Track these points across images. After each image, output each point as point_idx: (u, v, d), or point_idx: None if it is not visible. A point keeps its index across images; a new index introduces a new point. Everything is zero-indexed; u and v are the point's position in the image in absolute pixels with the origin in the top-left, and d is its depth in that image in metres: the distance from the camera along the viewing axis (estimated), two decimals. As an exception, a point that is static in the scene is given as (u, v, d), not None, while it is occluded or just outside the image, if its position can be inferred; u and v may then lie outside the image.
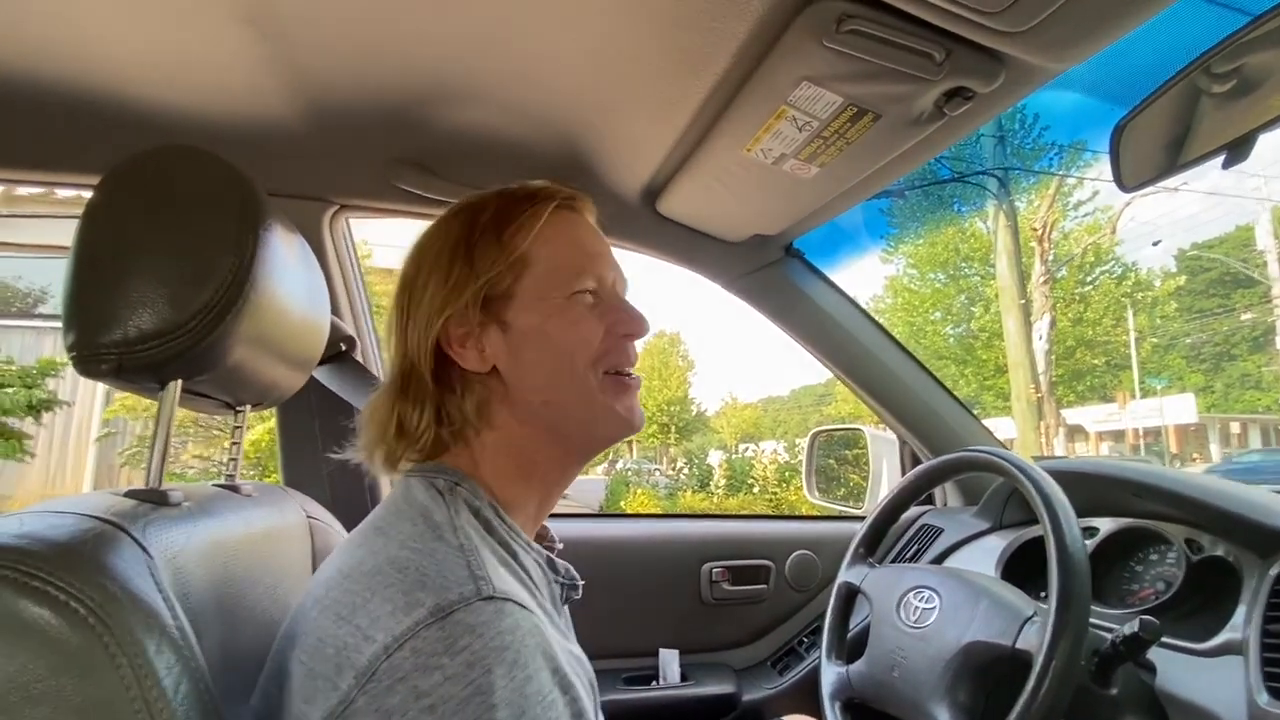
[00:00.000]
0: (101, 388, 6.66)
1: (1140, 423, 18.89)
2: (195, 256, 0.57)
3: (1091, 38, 0.68)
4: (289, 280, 0.65)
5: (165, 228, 0.58)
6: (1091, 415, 19.23)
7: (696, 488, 12.60)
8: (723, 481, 11.92)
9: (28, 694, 0.42)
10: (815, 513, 1.72)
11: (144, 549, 0.49)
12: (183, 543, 0.54)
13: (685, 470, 15.00)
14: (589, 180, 1.09)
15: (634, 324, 0.65)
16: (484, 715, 0.43)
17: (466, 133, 0.98)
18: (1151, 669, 0.85)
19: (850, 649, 1.05)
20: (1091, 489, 1.11)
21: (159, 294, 0.55)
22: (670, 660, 1.29)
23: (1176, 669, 0.84)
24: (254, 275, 0.58)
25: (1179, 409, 18.90)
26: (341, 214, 1.12)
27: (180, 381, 0.60)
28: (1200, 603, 0.91)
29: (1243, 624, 0.81)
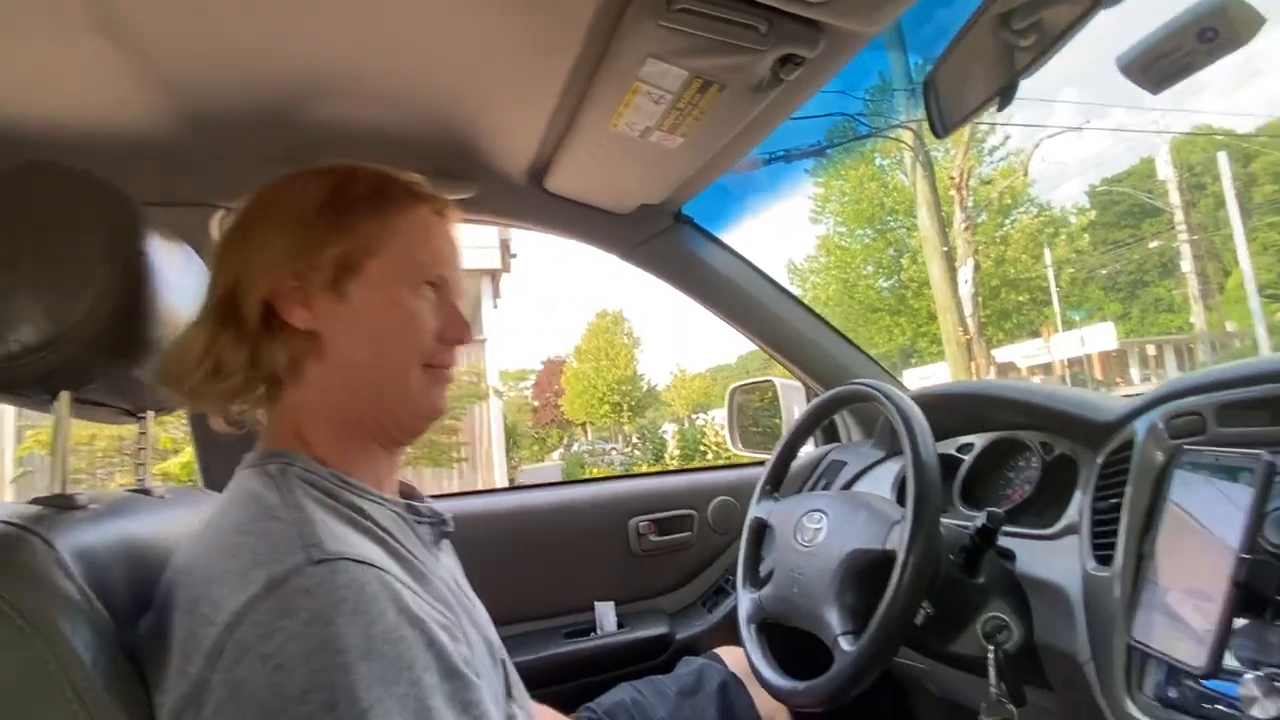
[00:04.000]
0: (9, 427, 6.32)
1: (1065, 354, 19.85)
2: (70, 269, 0.59)
3: (892, 1, 0.76)
4: (175, 287, 0.67)
5: (36, 243, 0.59)
6: (1022, 351, 20.10)
7: (652, 460, 12.79)
8: (677, 452, 12.13)
9: None
10: (736, 463, 1.82)
11: (51, 546, 0.52)
12: (92, 541, 0.57)
13: (640, 445, 15.18)
14: (475, 164, 1.13)
15: (464, 331, 0.69)
16: (332, 662, 0.45)
17: (348, 128, 1.01)
18: (1011, 556, 0.97)
19: (764, 578, 1.14)
20: (965, 409, 1.23)
21: (36, 308, 0.57)
22: (606, 611, 1.37)
23: (1031, 554, 0.95)
24: (131, 284, 0.61)
25: (1100, 337, 19.87)
26: (229, 218, 1.13)
27: (70, 392, 0.62)
28: (1054, 495, 1.03)
29: (1077, 508, 0.93)
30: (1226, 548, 0.60)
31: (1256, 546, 0.61)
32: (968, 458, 1.19)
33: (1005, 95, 0.71)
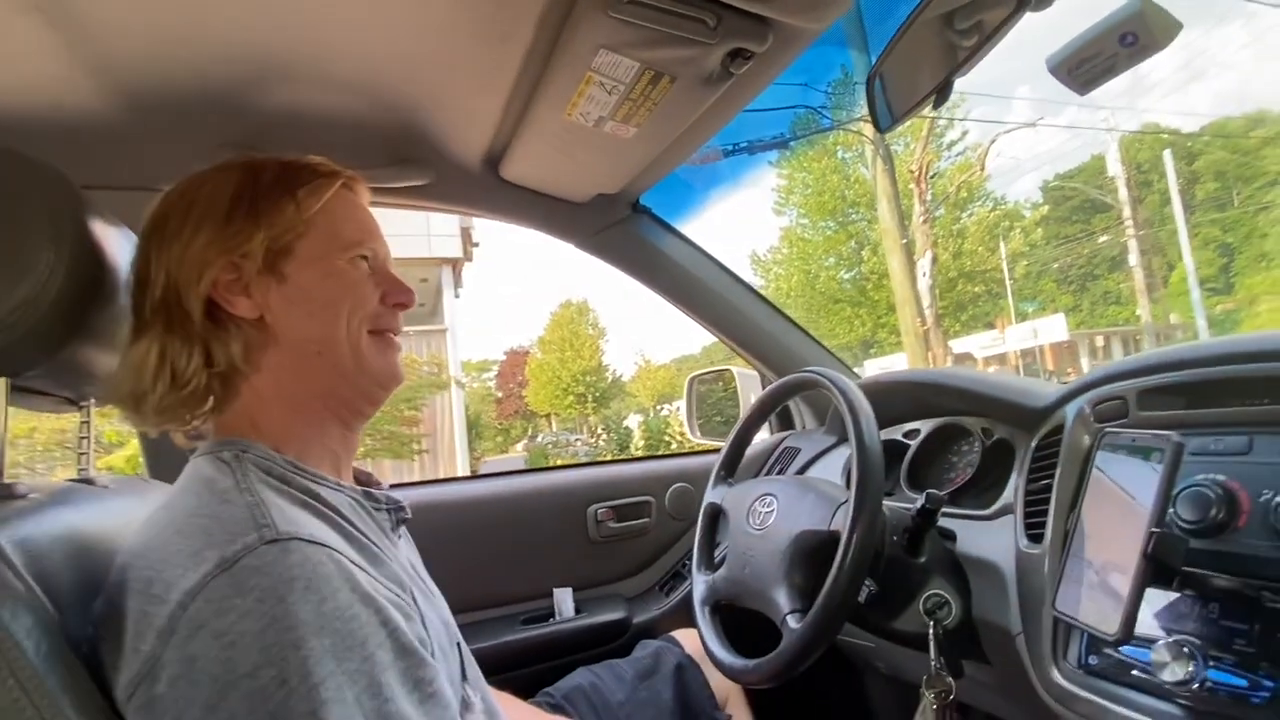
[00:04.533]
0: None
1: (1019, 345, 20.39)
2: (9, 253, 0.58)
3: None
4: (113, 272, 0.66)
5: None
6: (978, 343, 20.59)
7: (617, 451, 12.83)
8: (641, 442, 12.19)
9: None
10: (695, 450, 1.85)
11: None
12: (32, 531, 0.56)
13: (605, 436, 15.21)
14: (429, 151, 1.13)
15: (405, 295, 0.72)
16: (283, 638, 0.46)
17: (296, 113, 1.00)
18: (952, 537, 1.01)
19: (718, 562, 1.17)
20: (910, 396, 1.27)
21: None
22: (564, 598, 1.39)
23: (971, 534, 1.00)
24: (70, 267, 0.59)
25: (1051, 329, 20.42)
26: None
27: (7, 379, 0.61)
28: (993, 479, 1.08)
29: (1012, 489, 0.97)
30: (1140, 522, 0.64)
31: (1166, 521, 0.66)
32: (913, 443, 1.23)
33: (941, 94, 0.74)
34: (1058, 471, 0.88)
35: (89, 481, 0.75)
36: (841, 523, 0.88)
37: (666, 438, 11.44)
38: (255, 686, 0.45)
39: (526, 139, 1.07)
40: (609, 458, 12.38)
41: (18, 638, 0.49)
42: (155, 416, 0.63)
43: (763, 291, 1.50)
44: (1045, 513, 0.87)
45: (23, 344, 0.58)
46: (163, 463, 1.14)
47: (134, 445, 4.61)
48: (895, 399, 1.28)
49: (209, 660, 0.46)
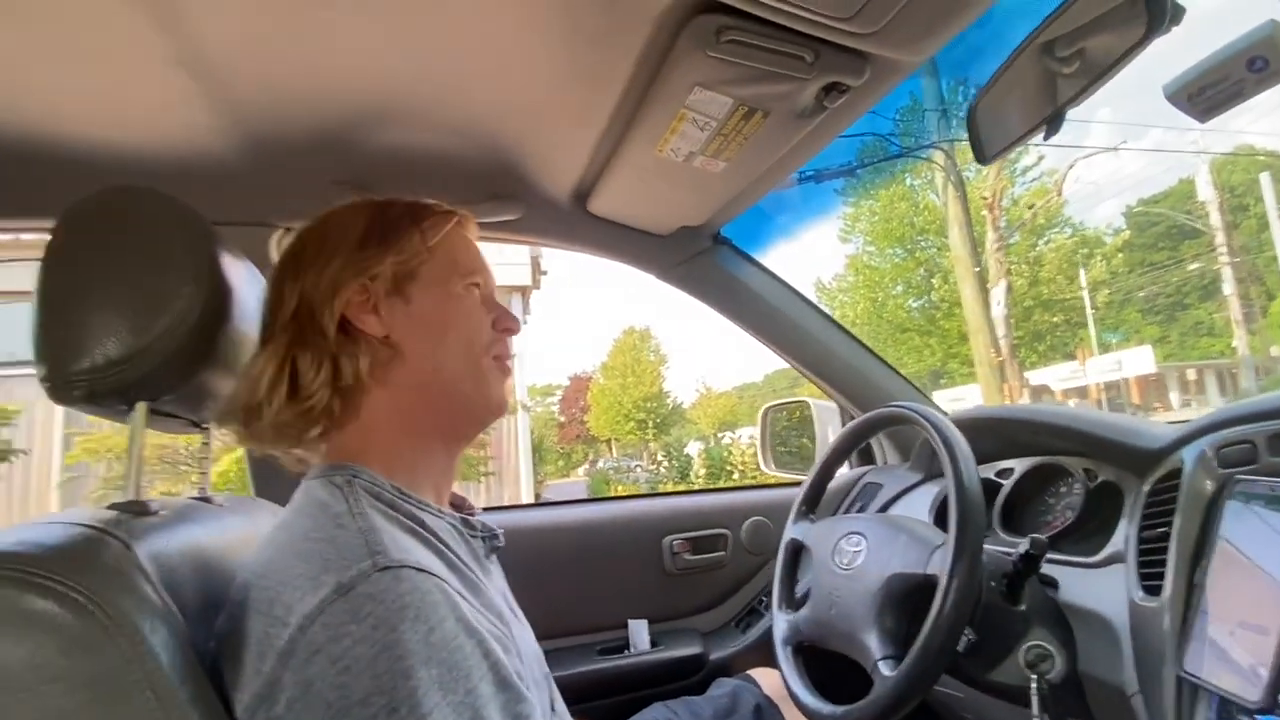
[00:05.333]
0: (60, 433, 6.53)
1: (1101, 377, 19.41)
2: (151, 286, 0.62)
3: (938, 30, 0.77)
4: (240, 303, 0.70)
5: (121, 262, 0.63)
6: (1056, 374, 19.71)
7: (677, 479, 12.73)
8: (703, 471, 12.07)
9: (42, 674, 0.49)
10: (770, 483, 1.82)
11: (130, 549, 0.55)
12: (163, 544, 0.59)
13: (665, 463, 15.14)
14: (521, 187, 1.16)
15: (513, 321, 0.77)
16: (394, 666, 0.48)
17: (401, 151, 1.05)
18: (1054, 584, 0.96)
19: (800, 600, 1.14)
20: (1004, 434, 1.22)
21: (121, 323, 0.61)
22: (639, 629, 1.38)
23: (1075, 582, 0.94)
24: (207, 300, 0.64)
25: (1137, 361, 19.42)
26: (286, 236, 1.18)
27: (146, 403, 0.65)
28: (1098, 523, 1.02)
29: (1123, 536, 0.92)
30: (1281, 581, 0.60)
31: (1314, 580, 0.61)
32: (1007, 483, 1.18)
33: (1052, 124, 0.72)
34: (1177, 520, 0.82)
35: (207, 500, 0.79)
36: (939, 566, 0.85)
37: (729, 467, 11.29)
38: (366, 715, 0.47)
39: (615, 175, 1.09)
40: (673, 487, 12.30)
41: (155, 650, 0.51)
42: (271, 431, 0.66)
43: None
44: (1162, 563, 0.82)
45: (162, 370, 0.63)
46: (269, 483, 1.19)
47: (225, 461, 4.87)
48: (986, 436, 1.23)
49: (325, 685, 0.48)
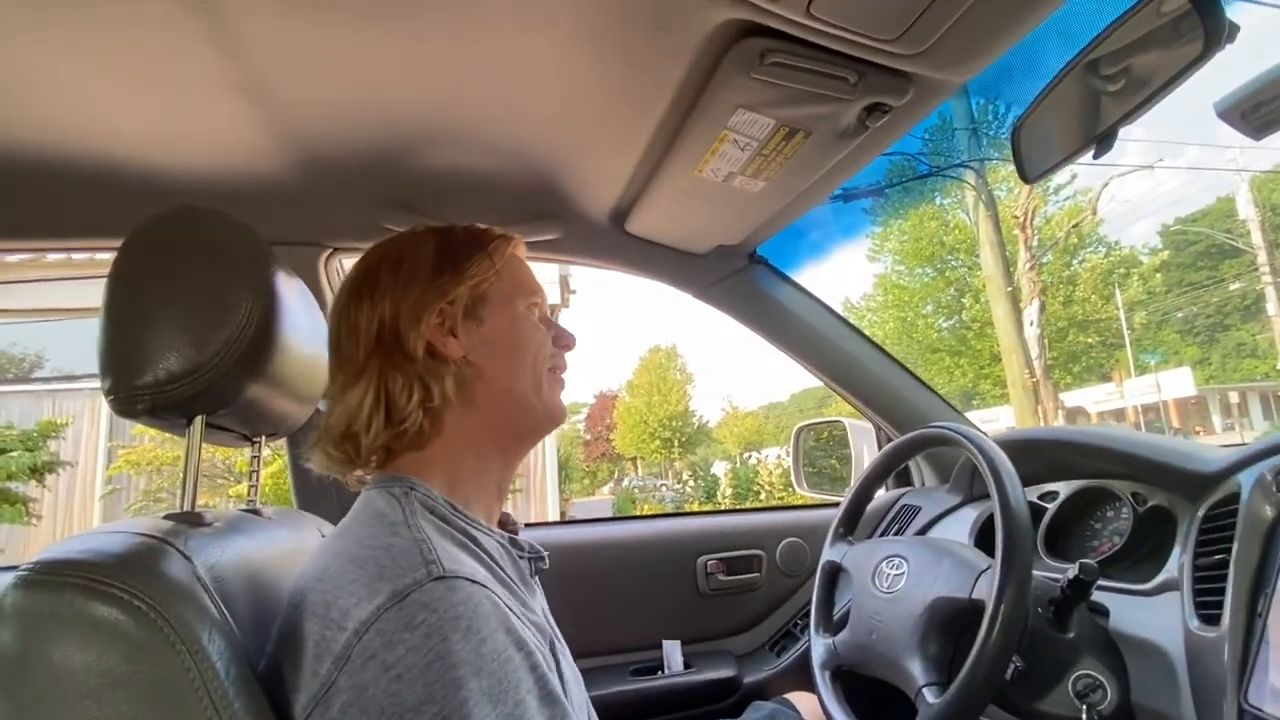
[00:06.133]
0: (103, 446, 6.71)
1: (1139, 399, 18.93)
2: (212, 304, 0.65)
3: (984, 50, 0.77)
4: (293, 321, 0.72)
5: (184, 280, 0.66)
6: (1091, 396, 19.28)
7: (703, 499, 12.64)
8: (729, 491, 11.98)
9: (106, 680, 0.50)
10: (804, 503, 1.80)
11: (189, 560, 0.57)
12: (218, 555, 0.61)
13: (691, 482, 15.05)
14: (561, 208, 1.18)
15: (570, 338, 0.82)
16: (445, 675, 0.49)
17: (446, 173, 1.07)
18: (1104, 612, 0.93)
19: (838, 623, 1.12)
20: (1047, 455, 1.19)
21: (183, 338, 0.63)
22: (673, 651, 1.37)
23: (1126, 610, 0.92)
24: (263, 317, 0.66)
25: (1176, 383, 18.93)
26: (335, 256, 1.21)
27: (204, 416, 0.67)
28: (1148, 549, 0.99)
29: (1177, 563, 0.89)
30: (1354, 611, 0.57)
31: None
32: (1051, 506, 1.15)
33: (1103, 142, 0.71)
34: (1235, 546, 0.80)
35: (256, 512, 0.81)
36: (985, 591, 0.83)
37: (756, 487, 11.18)
38: None
39: (654, 195, 1.10)
40: (696, 505, 12.20)
41: (213, 661, 0.52)
42: (366, 454, 0.69)
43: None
44: (1220, 592, 0.79)
45: (221, 385, 0.65)
46: (310, 495, 1.21)
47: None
48: (1029, 457, 1.20)
49: (379, 691, 0.49)
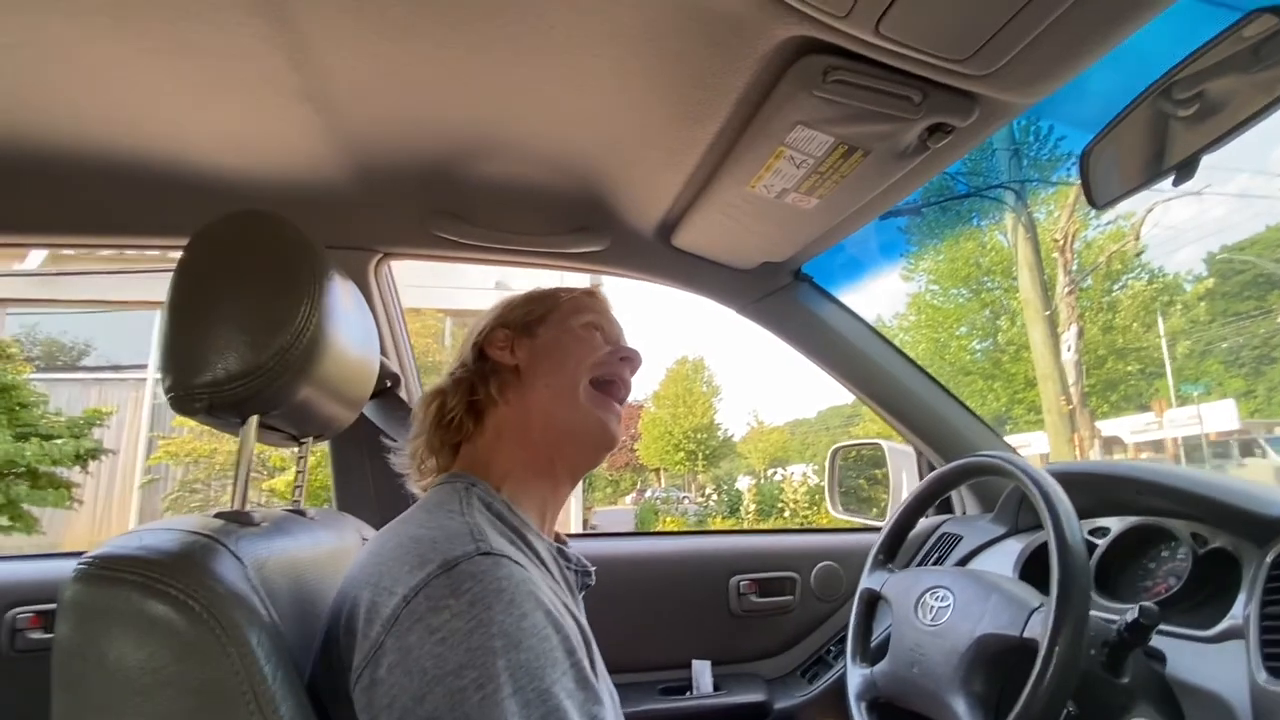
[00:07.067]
0: (144, 435, 6.88)
1: (1180, 431, 18.36)
2: (271, 305, 0.66)
3: (1055, 74, 0.75)
4: (346, 323, 0.73)
5: (246, 282, 0.67)
6: (1129, 425, 18.75)
7: (726, 514, 12.54)
8: (752, 506, 11.86)
9: (157, 678, 0.51)
10: (839, 526, 1.76)
11: (240, 560, 0.57)
12: (265, 556, 0.62)
13: (714, 497, 14.95)
14: (609, 219, 1.18)
15: (633, 351, 0.85)
16: (485, 644, 0.51)
17: (497, 183, 1.08)
18: (1161, 658, 0.89)
19: (875, 653, 1.09)
20: (1099, 490, 1.15)
21: (242, 339, 0.64)
22: (702, 671, 1.34)
23: (1185, 657, 0.88)
24: (319, 321, 0.67)
25: (1219, 415, 18.32)
26: (385, 261, 1.23)
27: (258, 416, 0.68)
28: (1208, 593, 0.95)
29: (1242, 610, 0.85)
30: None
31: None
32: (1102, 542, 1.11)
33: (1184, 170, 0.68)
34: (1308, 596, 0.76)
35: (300, 512, 0.81)
36: (1038, 631, 0.80)
37: (780, 504, 11.05)
38: (458, 685, 0.50)
39: (703, 210, 1.09)
40: (719, 520, 12.10)
41: (261, 662, 0.52)
42: (427, 454, 0.78)
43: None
44: (1291, 643, 0.75)
45: (276, 386, 0.65)
46: (351, 497, 1.23)
47: (293, 471, 5.04)
48: (1080, 490, 1.15)
49: (423, 653, 0.51)
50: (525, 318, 0.83)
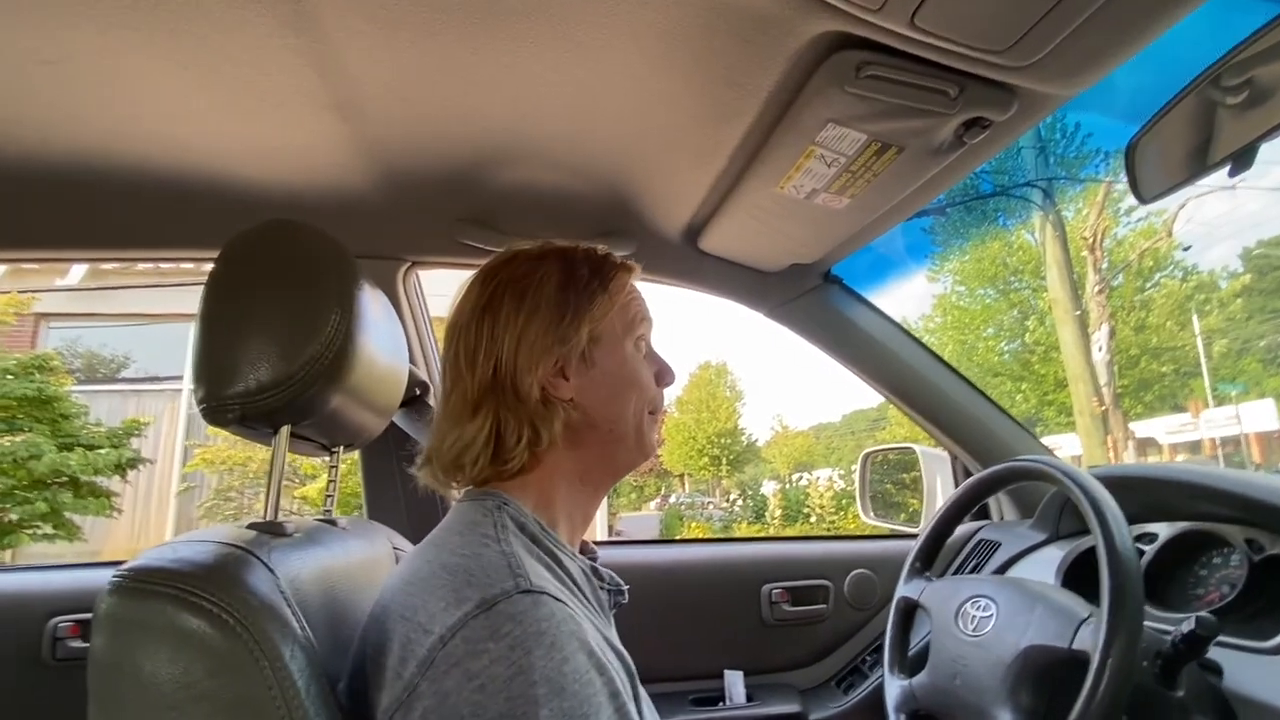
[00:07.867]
0: (180, 445, 7.02)
1: (1217, 432, 17.88)
2: (302, 316, 0.65)
3: (1095, 66, 0.73)
4: (376, 333, 0.73)
5: (277, 292, 0.66)
6: (1164, 426, 18.29)
7: (751, 519, 12.44)
8: (778, 512, 11.75)
9: (191, 693, 0.50)
10: (871, 533, 1.73)
11: (273, 572, 0.57)
12: (298, 567, 0.61)
13: (739, 502, 14.85)
14: (634, 224, 1.17)
15: (671, 375, 0.80)
16: (526, 691, 0.48)
17: (523, 189, 1.07)
18: (1217, 670, 0.86)
19: (913, 663, 1.06)
20: (1146, 494, 1.11)
21: (274, 350, 0.63)
22: (735, 681, 1.32)
23: (1243, 669, 0.84)
24: (350, 330, 0.66)
25: (1259, 415, 17.81)
26: (413, 269, 1.23)
27: (289, 426, 0.68)
28: (1266, 602, 0.91)
29: (1306, 620, 0.81)
30: None
31: None
32: (1150, 549, 1.07)
33: (1241, 160, 0.65)
34: (1376, 607, 0.72)
35: (332, 522, 0.81)
36: (1089, 643, 0.77)
37: (806, 509, 10.94)
38: None
39: (730, 213, 1.08)
40: (745, 525, 12.01)
41: (294, 677, 0.52)
42: (468, 480, 0.70)
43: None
44: (1359, 656, 0.72)
45: (306, 396, 0.65)
46: (382, 507, 1.23)
47: (324, 479, 5.11)
48: (1126, 495, 1.11)
49: (460, 700, 0.49)
50: (586, 338, 0.71)
